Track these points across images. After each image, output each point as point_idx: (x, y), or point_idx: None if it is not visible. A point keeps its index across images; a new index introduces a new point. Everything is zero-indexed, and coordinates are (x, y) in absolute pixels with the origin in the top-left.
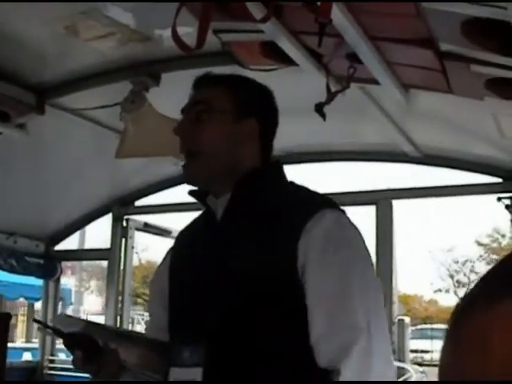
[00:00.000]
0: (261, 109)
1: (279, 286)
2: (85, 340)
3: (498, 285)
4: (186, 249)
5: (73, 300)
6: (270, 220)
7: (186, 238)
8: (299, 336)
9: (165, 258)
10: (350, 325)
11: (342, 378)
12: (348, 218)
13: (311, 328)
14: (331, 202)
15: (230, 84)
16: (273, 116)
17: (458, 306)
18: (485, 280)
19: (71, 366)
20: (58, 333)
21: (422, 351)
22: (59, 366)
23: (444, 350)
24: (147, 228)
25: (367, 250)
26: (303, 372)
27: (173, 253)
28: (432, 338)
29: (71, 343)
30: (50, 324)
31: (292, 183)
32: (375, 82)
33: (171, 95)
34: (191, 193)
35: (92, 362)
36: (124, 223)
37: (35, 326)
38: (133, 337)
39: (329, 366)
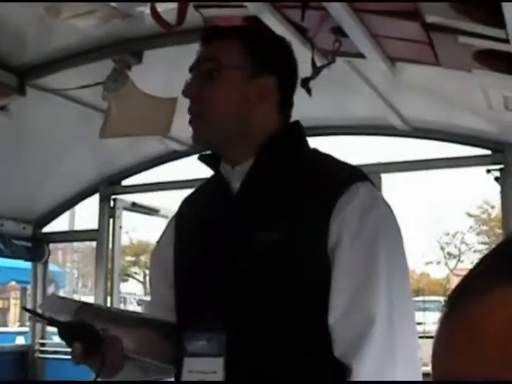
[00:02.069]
0: (279, 64)
1: (307, 267)
2: (83, 329)
3: (489, 274)
4: (193, 221)
5: (66, 282)
6: (296, 194)
7: (191, 208)
8: (325, 322)
9: (166, 231)
10: (366, 316)
11: (356, 377)
12: (380, 193)
13: (330, 312)
14: (362, 174)
15: (242, 36)
16: (293, 72)
17: (450, 296)
18: (476, 269)
19: (63, 349)
20: (51, 322)
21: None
22: (51, 349)
23: (437, 342)
24: (135, 207)
25: (399, 230)
26: (325, 360)
27: (176, 225)
28: (424, 309)
29: (68, 334)
30: (42, 312)
31: (316, 150)
32: (361, 55)
33: (154, 73)
34: (201, 158)
35: (94, 354)
36: (111, 203)
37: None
38: (133, 318)
39: (341, 357)
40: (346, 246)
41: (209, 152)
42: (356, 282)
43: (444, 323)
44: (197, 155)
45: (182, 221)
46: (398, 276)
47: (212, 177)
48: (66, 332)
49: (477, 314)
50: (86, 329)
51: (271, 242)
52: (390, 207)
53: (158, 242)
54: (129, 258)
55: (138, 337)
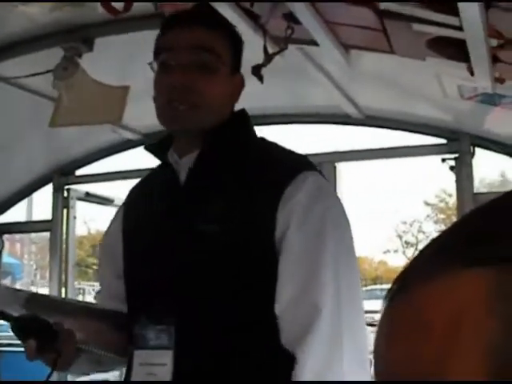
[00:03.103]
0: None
1: (250, 259)
2: (37, 324)
3: (438, 258)
4: (142, 210)
5: (23, 274)
6: (242, 185)
7: (139, 198)
8: (270, 312)
9: (114, 220)
10: (312, 305)
11: (302, 369)
12: (327, 182)
13: (276, 302)
14: (310, 163)
15: (230, 31)
16: None
17: (393, 284)
18: (423, 254)
19: (18, 342)
20: (3, 316)
21: (372, 311)
22: (5, 342)
23: (377, 334)
24: (89, 197)
25: (347, 220)
26: (272, 350)
27: (125, 213)
28: (382, 298)
29: (21, 329)
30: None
31: (263, 139)
32: (314, 42)
33: (105, 60)
34: (149, 148)
35: (48, 349)
36: (65, 193)
37: None
38: (83, 308)
39: (287, 346)
40: (292, 236)
41: (155, 142)
42: (303, 272)
43: (385, 313)
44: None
45: (130, 210)
46: (344, 266)
47: (160, 166)
48: (19, 327)
49: (421, 300)
50: (40, 323)
51: (211, 234)
52: (337, 197)
53: (106, 232)
54: (87, 249)
55: (89, 328)
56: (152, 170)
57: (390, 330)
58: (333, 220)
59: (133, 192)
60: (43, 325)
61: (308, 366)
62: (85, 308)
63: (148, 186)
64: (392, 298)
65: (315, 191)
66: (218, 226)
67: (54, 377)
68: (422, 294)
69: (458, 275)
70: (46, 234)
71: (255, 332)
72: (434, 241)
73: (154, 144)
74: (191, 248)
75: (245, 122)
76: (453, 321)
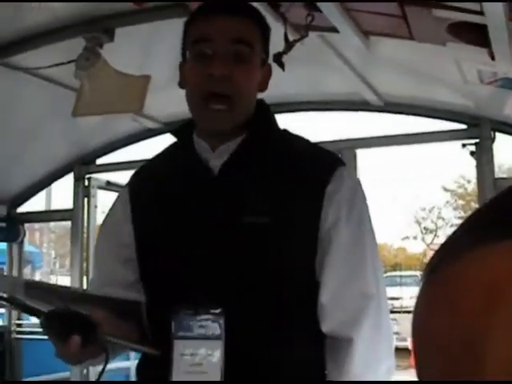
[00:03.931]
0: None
1: (297, 250)
2: (76, 318)
3: (473, 232)
4: (159, 197)
5: (42, 263)
6: (281, 178)
7: (150, 182)
8: (312, 300)
9: (118, 205)
10: (362, 291)
11: (355, 349)
12: (355, 175)
13: (322, 291)
14: (339, 158)
15: (261, 21)
16: None
17: (432, 258)
18: (459, 229)
19: (39, 330)
20: (28, 310)
21: (392, 298)
22: (27, 329)
23: (416, 305)
24: (110, 186)
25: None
26: (312, 336)
27: (132, 199)
28: (401, 284)
29: (61, 325)
30: (18, 299)
31: (287, 131)
32: (334, 29)
33: (126, 50)
34: (175, 132)
35: (90, 343)
36: (86, 182)
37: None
38: (87, 296)
39: (333, 332)
40: (341, 229)
41: (179, 126)
42: (349, 262)
43: (426, 284)
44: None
45: (140, 194)
46: (377, 255)
47: (171, 150)
48: (57, 323)
49: (460, 272)
50: (79, 317)
51: (261, 225)
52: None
53: (107, 217)
54: None
55: (106, 317)
56: (160, 153)
57: (431, 299)
58: (367, 212)
59: (139, 176)
60: (82, 318)
61: (360, 348)
62: (88, 296)
63: (161, 170)
64: (432, 270)
65: (353, 187)
66: (267, 217)
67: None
68: (460, 266)
69: (494, 248)
70: (65, 223)
71: (301, 320)
72: (468, 218)
73: (179, 129)
74: (239, 239)
75: (270, 113)
76: (491, 292)
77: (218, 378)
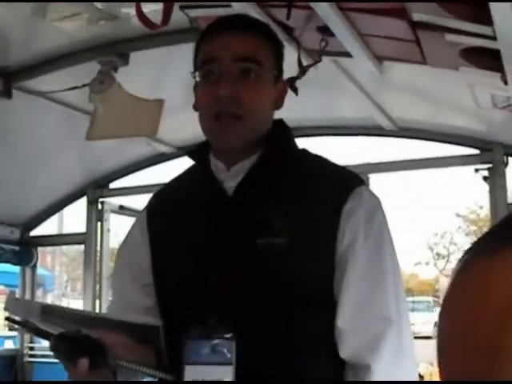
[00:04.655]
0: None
1: (314, 272)
2: (84, 341)
3: (497, 236)
4: (175, 221)
5: (54, 286)
6: (297, 198)
7: (168, 206)
8: (329, 325)
9: (135, 230)
10: (381, 316)
11: (374, 377)
12: (375, 194)
13: (339, 314)
14: (358, 177)
15: (271, 37)
16: None
17: (464, 253)
18: (484, 236)
19: (51, 353)
20: (40, 333)
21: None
22: (39, 353)
23: (446, 296)
24: (123, 210)
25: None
26: (330, 362)
27: (149, 223)
28: (413, 310)
29: (70, 348)
30: (30, 322)
31: (306, 150)
32: (348, 54)
33: (141, 74)
34: (191, 154)
35: (98, 366)
36: (99, 206)
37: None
38: (103, 320)
39: (350, 358)
40: (358, 250)
41: (195, 148)
42: (368, 285)
43: (454, 279)
44: (183, 157)
45: (157, 218)
46: (398, 277)
47: (190, 172)
48: (67, 346)
49: (486, 270)
50: (87, 340)
51: (277, 246)
52: (383, 208)
53: (125, 241)
54: None
55: (121, 341)
56: (178, 176)
57: (457, 293)
58: (387, 231)
59: (156, 200)
60: (91, 341)
61: (379, 377)
62: (103, 319)
63: (177, 194)
64: (460, 268)
65: (372, 206)
66: (283, 238)
67: None
68: (486, 265)
69: None
70: (77, 246)
71: (318, 344)
72: (497, 223)
73: (195, 150)
74: (253, 260)
75: (288, 132)
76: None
77: None
